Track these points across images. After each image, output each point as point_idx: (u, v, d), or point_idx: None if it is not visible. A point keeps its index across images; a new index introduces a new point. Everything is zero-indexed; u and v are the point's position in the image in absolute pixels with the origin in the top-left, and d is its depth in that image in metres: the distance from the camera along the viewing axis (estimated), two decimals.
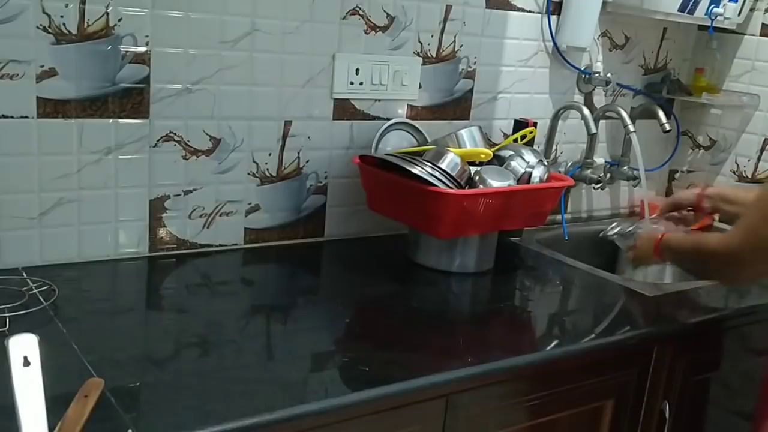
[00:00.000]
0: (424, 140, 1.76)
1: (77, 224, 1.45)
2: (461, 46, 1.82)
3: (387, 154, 1.63)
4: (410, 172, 1.53)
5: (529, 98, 1.99)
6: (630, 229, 1.73)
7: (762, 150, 2.14)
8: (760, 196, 1.32)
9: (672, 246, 1.54)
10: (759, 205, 1.30)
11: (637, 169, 2.03)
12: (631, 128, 1.96)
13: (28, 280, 1.34)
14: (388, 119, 1.74)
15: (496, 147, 1.78)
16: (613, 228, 1.77)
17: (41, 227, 1.41)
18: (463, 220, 1.56)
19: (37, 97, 1.35)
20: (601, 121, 2.10)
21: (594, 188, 2.18)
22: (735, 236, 1.31)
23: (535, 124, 1.90)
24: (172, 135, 1.50)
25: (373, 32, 1.69)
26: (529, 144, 1.84)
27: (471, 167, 1.63)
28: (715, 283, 1.76)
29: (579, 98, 2.09)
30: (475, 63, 1.86)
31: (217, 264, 1.58)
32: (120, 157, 1.46)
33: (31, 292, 1.29)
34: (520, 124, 1.93)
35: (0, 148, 1.34)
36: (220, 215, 1.61)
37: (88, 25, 1.37)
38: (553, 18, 1.95)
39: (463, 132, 1.68)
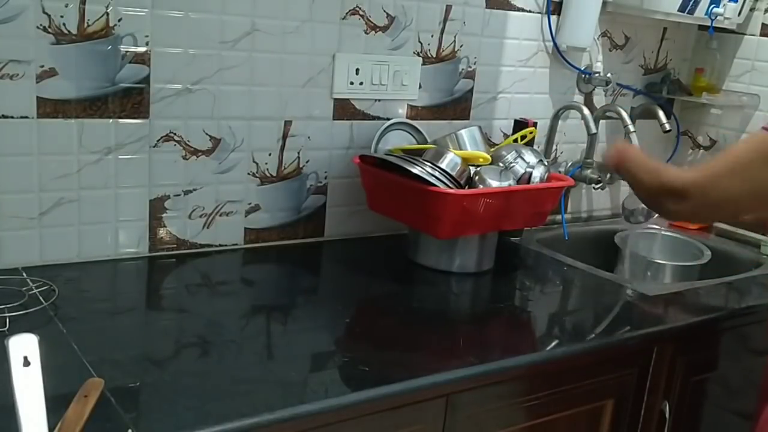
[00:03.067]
0: (423, 140, 1.76)
1: (77, 224, 1.45)
2: (461, 46, 1.82)
3: (387, 154, 1.63)
4: (410, 172, 1.53)
5: (529, 98, 1.99)
6: None
7: None
8: (734, 150, 1.29)
9: (632, 161, 1.43)
10: (729, 158, 1.26)
11: None
12: (631, 128, 1.96)
13: (28, 280, 1.34)
14: (388, 119, 1.74)
15: (496, 147, 1.78)
16: None
17: (41, 227, 1.41)
18: (463, 220, 1.56)
19: (37, 97, 1.35)
20: (601, 121, 2.10)
21: (594, 188, 2.18)
22: (695, 176, 1.28)
23: (535, 124, 1.90)
24: (172, 135, 1.50)
25: (373, 32, 1.69)
26: (529, 144, 1.84)
27: (471, 167, 1.63)
28: (713, 283, 1.77)
29: (579, 98, 2.09)
30: (475, 63, 1.86)
31: (217, 264, 1.58)
32: (120, 157, 1.46)
33: (31, 292, 1.29)
34: (520, 124, 1.93)
35: (0, 148, 1.34)
36: (220, 215, 1.61)
37: (88, 25, 1.37)
38: (553, 18, 1.95)
39: (463, 132, 1.68)
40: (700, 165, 1.35)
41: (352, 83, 1.68)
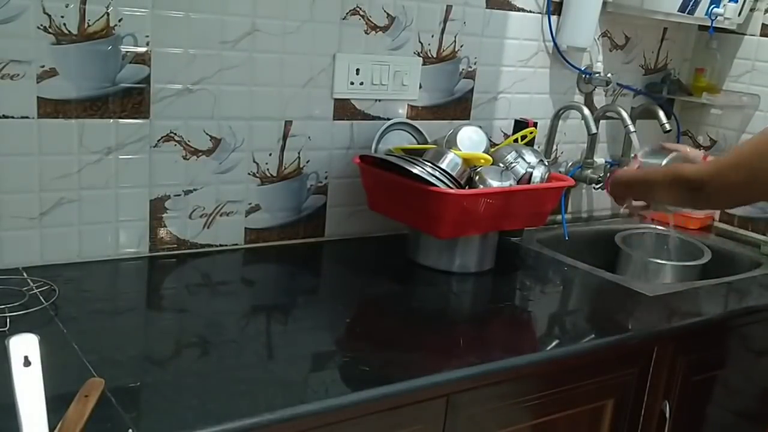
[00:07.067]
0: (424, 140, 1.76)
1: (77, 224, 1.45)
2: (461, 46, 1.82)
3: (387, 154, 1.63)
4: (410, 172, 1.53)
5: (530, 98, 1.99)
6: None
7: None
8: (741, 147, 1.43)
9: (627, 179, 1.58)
10: (735, 153, 1.40)
11: None
12: (632, 128, 1.96)
13: (29, 280, 1.34)
14: (389, 119, 1.74)
15: (497, 147, 1.78)
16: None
17: (42, 227, 1.41)
18: (464, 220, 1.56)
19: (38, 97, 1.35)
20: (601, 121, 2.10)
21: (594, 188, 2.18)
22: (708, 169, 1.41)
23: (535, 125, 1.90)
24: (172, 135, 1.50)
25: (374, 32, 1.69)
26: (530, 144, 1.84)
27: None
28: (713, 283, 1.77)
29: (579, 98, 2.09)
30: (475, 63, 1.86)
31: (217, 264, 1.58)
32: (120, 157, 1.46)
33: (31, 292, 1.30)
34: (520, 124, 1.93)
35: (0, 148, 1.34)
36: (221, 215, 1.61)
37: (89, 25, 1.37)
38: (554, 18, 1.95)
39: None
40: (711, 161, 1.47)
41: (352, 83, 1.68)
